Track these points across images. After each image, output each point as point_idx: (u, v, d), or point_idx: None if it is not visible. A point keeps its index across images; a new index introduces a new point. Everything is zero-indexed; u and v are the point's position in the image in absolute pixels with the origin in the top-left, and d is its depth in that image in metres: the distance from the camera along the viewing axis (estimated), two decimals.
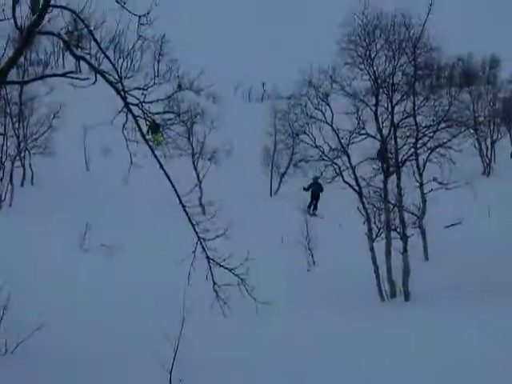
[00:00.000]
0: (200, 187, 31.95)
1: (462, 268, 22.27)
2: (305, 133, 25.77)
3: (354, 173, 23.22)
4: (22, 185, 36.54)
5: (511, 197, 32.12)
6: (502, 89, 50.72)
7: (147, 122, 12.93)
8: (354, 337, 15.33)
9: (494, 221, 27.13)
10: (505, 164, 46.50)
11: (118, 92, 12.24)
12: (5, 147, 34.68)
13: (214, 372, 10.86)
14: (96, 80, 12.36)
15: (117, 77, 12.40)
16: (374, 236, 22.53)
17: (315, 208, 37.95)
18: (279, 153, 41.86)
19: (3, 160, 34.41)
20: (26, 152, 37.11)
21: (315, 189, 37.29)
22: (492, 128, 48.18)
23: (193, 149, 37.92)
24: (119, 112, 12.43)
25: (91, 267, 20.51)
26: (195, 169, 36.06)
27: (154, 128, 28.90)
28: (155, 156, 12.49)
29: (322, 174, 24.64)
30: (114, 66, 12.91)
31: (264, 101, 58.29)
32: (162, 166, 12.46)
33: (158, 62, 53.47)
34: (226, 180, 36.79)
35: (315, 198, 38.00)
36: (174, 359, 9.83)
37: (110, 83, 12.26)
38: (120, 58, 51.75)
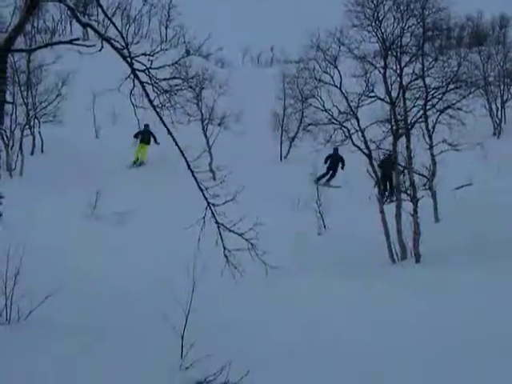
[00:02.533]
0: (210, 153, 31.96)
1: (473, 229, 22.23)
2: (314, 96, 25.73)
3: (363, 136, 23.17)
4: (32, 153, 36.44)
5: None
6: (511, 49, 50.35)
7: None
8: (365, 296, 15.36)
9: (505, 181, 27.05)
10: None
11: (125, 58, 12.24)
12: (14, 116, 34.60)
13: (225, 335, 10.91)
14: (102, 47, 12.36)
15: (123, 43, 12.39)
16: (384, 199, 22.56)
17: (329, 179, 35.29)
18: (288, 117, 41.71)
19: (13, 129, 34.36)
20: (36, 120, 36.91)
21: (333, 161, 35.23)
22: (502, 88, 47.86)
23: (202, 114, 37.78)
24: (126, 78, 12.44)
25: (103, 234, 20.57)
26: (205, 134, 35.97)
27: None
28: (163, 122, 12.49)
29: (331, 137, 24.61)
30: (120, 32, 12.89)
31: (273, 65, 58.01)
32: (170, 132, 12.47)
33: (166, 28, 53.22)
34: (236, 145, 36.76)
35: (332, 170, 35.48)
36: (185, 324, 9.87)
37: (117, 50, 12.25)
38: (127, 24, 51.32)
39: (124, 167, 31.90)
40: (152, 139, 35.09)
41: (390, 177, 28.01)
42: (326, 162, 34.80)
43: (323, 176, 34.73)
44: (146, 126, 32.13)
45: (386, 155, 24.67)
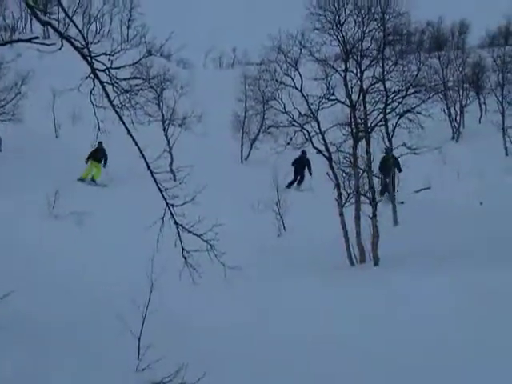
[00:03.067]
0: (170, 153, 31.84)
1: (432, 232, 22.46)
2: (275, 99, 25.83)
3: (323, 138, 23.24)
4: None
5: (480, 161, 32.35)
6: (471, 54, 50.87)
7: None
8: (323, 296, 15.43)
9: (463, 185, 27.30)
10: (474, 129, 46.73)
11: (85, 58, 12.17)
12: None
13: (183, 336, 10.90)
14: (62, 45, 12.28)
15: (83, 42, 12.32)
16: (343, 201, 22.63)
17: (299, 183, 34.41)
18: (250, 119, 41.82)
19: None
20: None
21: (300, 164, 34.28)
22: (461, 93, 48.36)
23: (163, 115, 37.71)
24: (86, 78, 12.38)
25: (61, 234, 20.43)
26: (166, 135, 35.90)
27: None
28: (123, 122, 12.44)
29: (291, 139, 24.65)
30: (80, 31, 12.82)
31: (234, 67, 58.08)
32: (129, 132, 12.41)
33: (127, 28, 53.07)
34: (197, 146, 36.78)
35: (300, 175, 34.47)
36: (142, 325, 9.85)
37: (77, 49, 12.18)
38: (88, 23, 51.08)
39: (84, 167, 31.66)
40: (103, 161, 32.74)
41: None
42: (293, 165, 34.04)
43: (292, 182, 34.00)
44: (100, 143, 31.11)
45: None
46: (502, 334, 11.38)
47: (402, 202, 27.73)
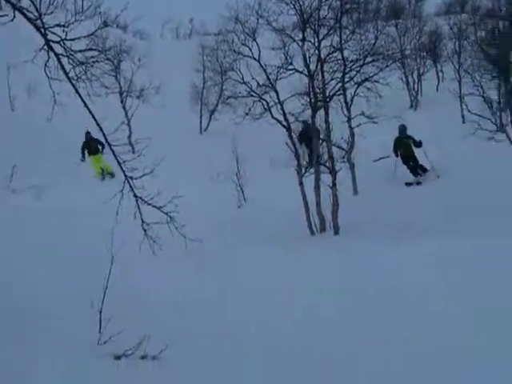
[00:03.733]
0: (129, 125, 31.67)
1: (391, 202, 22.66)
2: (233, 69, 25.67)
3: (282, 108, 23.26)
4: None
5: (438, 130, 32.52)
6: (427, 22, 51.01)
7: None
8: (285, 267, 15.44)
9: (422, 154, 27.42)
10: (431, 97, 46.96)
11: (38, 29, 12.03)
12: None
13: (144, 308, 10.87)
14: (14, 16, 12.13)
15: (36, 13, 12.18)
16: (303, 171, 22.68)
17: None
18: (208, 90, 41.84)
19: None
20: None
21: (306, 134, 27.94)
22: (418, 61, 48.57)
23: (120, 87, 37.64)
24: (40, 50, 12.26)
25: (19, 207, 20.25)
26: (123, 107, 35.80)
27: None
28: (79, 94, 12.34)
29: (250, 109, 24.61)
30: (32, 1, 12.65)
31: (192, 37, 57.79)
32: (86, 105, 12.32)
33: None
34: (155, 118, 36.67)
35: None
36: (103, 299, 9.79)
37: (30, 20, 12.04)
38: None
39: (39, 140, 31.27)
40: (100, 147, 29.09)
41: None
42: (301, 142, 28.08)
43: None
44: (88, 133, 28.88)
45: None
46: (463, 300, 11.46)
47: (438, 176, 25.82)
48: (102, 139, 12.75)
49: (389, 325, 10.90)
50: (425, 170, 26.60)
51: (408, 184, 26.28)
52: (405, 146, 26.80)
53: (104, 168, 29.14)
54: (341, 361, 9.45)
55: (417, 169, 26.81)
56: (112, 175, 28.03)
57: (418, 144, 26.73)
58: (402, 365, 9.04)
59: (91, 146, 29.25)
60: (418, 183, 26.20)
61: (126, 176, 12.74)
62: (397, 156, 26.69)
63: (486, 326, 10.00)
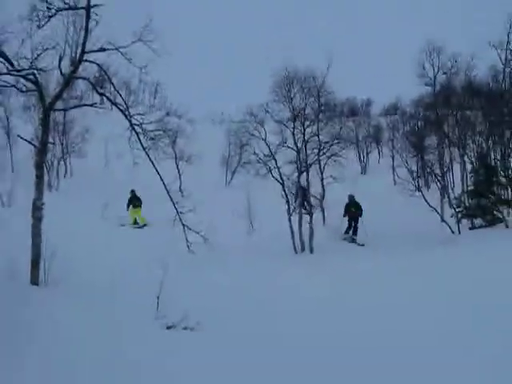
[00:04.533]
0: (180, 180, 31.71)
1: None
2: (248, 145, 26.08)
3: (278, 171, 23.46)
4: (64, 176, 36.38)
5: (378, 187, 32.57)
6: (373, 119, 51.46)
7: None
8: (274, 270, 15.50)
9: (366, 202, 27.42)
10: (374, 167, 47.31)
11: (126, 116, 12.18)
12: (54, 152, 34.42)
13: (186, 295, 10.76)
14: (112, 108, 12.34)
15: (125, 106, 12.33)
16: (291, 212, 22.81)
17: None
18: (231, 157, 41.91)
19: (53, 161, 34.27)
20: (67, 155, 36.95)
21: (353, 209, 24.12)
22: (366, 144, 48.92)
23: (175, 154, 37.76)
24: (127, 129, 12.39)
25: (108, 230, 20.22)
26: (177, 167, 35.87)
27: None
28: (149, 158, 12.45)
29: (258, 171, 24.87)
30: (123, 99, 12.82)
31: (222, 123, 57.90)
32: (154, 166, 12.43)
33: (154, 97, 53.06)
34: (198, 175, 36.60)
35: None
36: (160, 289, 9.78)
37: (121, 110, 12.22)
38: (129, 94, 50.84)
39: (121, 188, 31.28)
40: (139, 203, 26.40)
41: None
42: (345, 215, 24.09)
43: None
44: (132, 191, 26.49)
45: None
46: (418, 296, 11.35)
47: (362, 245, 21.78)
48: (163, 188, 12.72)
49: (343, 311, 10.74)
50: (355, 232, 23.05)
51: (354, 241, 22.77)
52: (352, 211, 23.45)
53: (138, 219, 25.57)
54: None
55: (352, 229, 23.28)
56: (145, 225, 25.18)
57: (361, 213, 23.20)
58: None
59: (134, 201, 26.08)
60: (353, 240, 22.77)
61: (177, 210, 12.79)
62: (344, 216, 23.54)
63: None
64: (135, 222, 25.18)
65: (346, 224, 23.25)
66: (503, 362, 7.08)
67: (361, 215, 22.76)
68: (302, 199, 23.81)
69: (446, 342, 8.16)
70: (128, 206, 25.50)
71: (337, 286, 13.19)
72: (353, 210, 22.95)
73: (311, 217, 22.62)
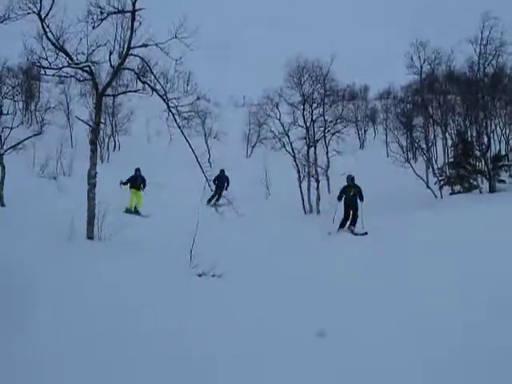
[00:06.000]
0: (209, 153, 31.46)
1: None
2: (265, 124, 26.12)
3: (291, 145, 23.47)
4: (113, 150, 36.57)
5: (374, 159, 32.33)
6: (370, 103, 50.86)
7: None
8: (288, 227, 15.56)
9: (364, 172, 27.21)
10: (371, 142, 46.88)
11: (164, 100, 12.11)
12: (105, 130, 34.62)
13: (215, 248, 10.73)
14: (152, 94, 12.27)
15: (163, 92, 12.27)
16: (301, 179, 22.77)
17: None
18: (251, 134, 41.81)
19: (104, 137, 34.52)
20: (116, 133, 37.09)
21: (221, 181, 21.22)
22: (364, 124, 48.49)
23: (205, 131, 37.74)
24: (164, 111, 12.33)
25: (150, 195, 20.00)
26: (206, 143, 35.83)
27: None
28: (184, 136, 12.38)
29: (273, 146, 24.89)
30: (162, 86, 12.80)
31: (244, 106, 57.57)
32: (187, 141, 12.36)
33: (187, 84, 52.74)
34: (223, 149, 36.55)
35: (219, 191, 20.45)
36: (192, 243, 9.78)
37: (160, 95, 12.16)
38: (166, 82, 50.66)
39: (161, 157, 31.25)
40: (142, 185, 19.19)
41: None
42: (214, 182, 18.92)
43: (212, 197, 20.75)
44: (137, 170, 19.34)
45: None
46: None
47: (366, 233, 14.33)
48: (193, 160, 12.58)
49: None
50: (354, 223, 15.12)
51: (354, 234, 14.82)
52: (350, 195, 15.32)
53: (136, 206, 18.46)
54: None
55: (350, 219, 15.32)
56: (138, 213, 18.05)
57: (361, 198, 15.25)
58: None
59: (136, 182, 18.80)
60: (353, 232, 14.95)
61: (206, 178, 12.77)
62: (339, 201, 15.45)
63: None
64: (129, 209, 18.24)
65: (340, 212, 15.44)
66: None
67: (362, 199, 15.26)
68: (214, 194, 20.33)
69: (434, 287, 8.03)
70: (126, 182, 18.83)
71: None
72: (351, 195, 15.33)
73: (318, 183, 22.57)
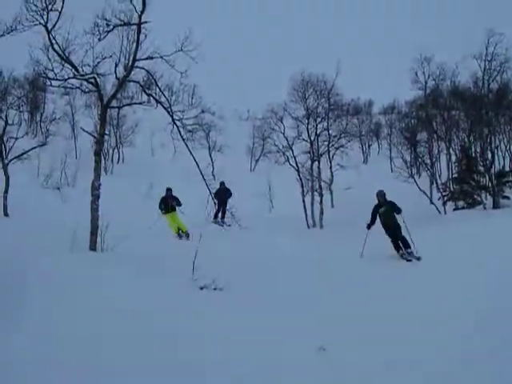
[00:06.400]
0: (213, 166, 31.75)
1: (350, 211, 22.43)
2: (269, 137, 26.14)
3: (295, 159, 23.52)
4: (117, 162, 36.62)
5: (378, 174, 32.29)
6: (374, 118, 51.04)
7: None
8: (291, 242, 15.32)
9: (368, 187, 27.21)
10: (374, 157, 46.89)
11: (169, 113, 12.14)
12: (109, 142, 34.70)
13: (217, 262, 10.71)
14: (157, 106, 12.31)
15: (168, 104, 12.30)
16: (304, 194, 22.75)
17: (222, 216, 18.27)
18: (255, 148, 41.86)
19: (108, 149, 34.55)
20: (120, 144, 37.11)
21: (222, 195, 18.26)
22: (368, 138, 48.57)
23: (209, 144, 37.82)
24: (169, 123, 12.35)
25: (153, 205, 20.05)
26: (210, 155, 35.92)
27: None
28: (188, 148, 12.38)
29: (277, 160, 24.90)
30: (167, 98, 12.78)
31: (248, 119, 57.77)
32: (191, 154, 12.37)
33: (192, 97, 53.01)
34: (227, 162, 36.65)
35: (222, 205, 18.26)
36: (195, 256, 9.75)
37: (164, 108, 12.19)
38: (171, 94, 51.03)
39: (165, 170, 31.30)
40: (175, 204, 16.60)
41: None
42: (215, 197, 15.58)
43: (216, 214, 18.68)
44: (168, 190, 16.81)
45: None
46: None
47: (419, 258, 11.26)
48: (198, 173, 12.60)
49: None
50: (407, 246, 11.70)
51: (408, 260, 11.45)
52: (384, 213, 12.25)
53: (180, 228, 16.15)
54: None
55: (398, 240, 11.98)
56: (187, 235, 15.68)
57: (398, 211, 12.19)
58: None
59: (167, 203, 16.47)
60: (408, 260, 11.43)
61: (210, 191, 12.75)
62: (371, 225, 12.34)
63: None
64: (178, 231, 16.19)
65: (369, 242, 12.16)
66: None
67: (398, 211, 12.21)
68: (218, 209, 18.53)
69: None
70: (160, 207, 16.65)
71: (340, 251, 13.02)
72: (385, 212, 12.26)
73: (321, 198, 22.59)
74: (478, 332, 6.35)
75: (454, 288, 8.28)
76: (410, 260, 11.38)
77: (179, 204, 16.43)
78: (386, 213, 12.26)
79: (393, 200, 12.60)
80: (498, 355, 5.66)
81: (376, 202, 12.59)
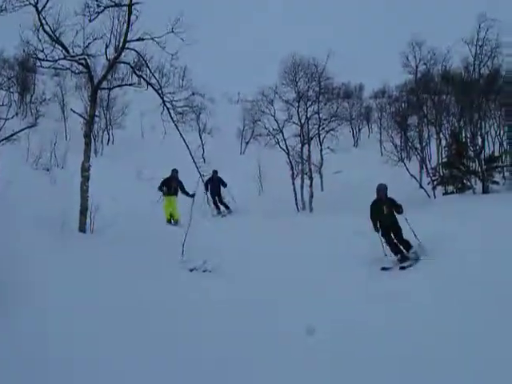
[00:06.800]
0: (203, 148, 31.53)
1: (340, 195, 22.54)
2: (259, 120, 26.00)
3: (285, 143, 23.42)
4: (107, 144, 36.37)
5: (368, 157, 32.39)
6: (364, 102, 50.99)
7: None
8: (279, 225, 15.25)
9: (357, 171, 27.35)
10: (365, 141, 46.96)
11: (159, 95, 12.10)
12: (99, 123, 34.44)
13: (207, 244, 10.74)
14: (147, 88, 12.24)
15: (158, 86, 12.24)
16: (294, 177, 22.78)
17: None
18: (246, 131, 41.76)
19: (98, 131, 34.36)
20: (110, 126, 36.89)
21: (215, 185, 17.91)
22: (359, 122, 48.55)
23: (199, 127, 37.66)
24: (159, 105, 12.32)
25: (143, 188, 20.01)
26: (200, 138, 35.77)
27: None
28: (178, 130, 12.37)
29: (267, 143, 24.82)
30: (157, 80, 12.70)
31: (238, 102, 57.46)
32: (182, 136, 12.33)
33: (182, 79, 52.59)
34: (217, 145, 36.53)
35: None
36: (184, 238, 9.80)
37: (155, 90, 12.13)
38: (161, 76, 50.58)
39: (155, 153, 31.13)
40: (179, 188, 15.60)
41: None
42: (206, 187, 17.19)
43: (216, 206, 17.90)
44: (174, 170, 15.85)
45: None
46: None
47: (417, 259, 10.12)
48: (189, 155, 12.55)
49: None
50: (409, 247, 10.28)
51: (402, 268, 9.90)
52: (384, 212, 10.68)
53: (172, 215, 15.15)
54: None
55: (398, 244, 10.51)
56: (177, 223, 14.73)
57: (399, 210, 10.58)
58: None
59: (170, 186, 15.38)
60: (402, 268, 9.89)
61: (200, 174, 12.74)
62: (376, 227, 10.61)
63: None
64: (170, 219, 15.24)
65: (376, 243, 10.73)
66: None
67: (400, 211, 10.59)
68: (214, 200, 17.93)
69: None
70: (160, 188, 15.56)
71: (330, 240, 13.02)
72: (385, 212, 10.68)
73: (311, 181, 22.58)
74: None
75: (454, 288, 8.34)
76: (403, 268, 9.77)
77: (182, 189, 15.37)
78: (386, 216, 10.62)
79: (388, 193, 10.97)
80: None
81: (374, 201, 10.89)
